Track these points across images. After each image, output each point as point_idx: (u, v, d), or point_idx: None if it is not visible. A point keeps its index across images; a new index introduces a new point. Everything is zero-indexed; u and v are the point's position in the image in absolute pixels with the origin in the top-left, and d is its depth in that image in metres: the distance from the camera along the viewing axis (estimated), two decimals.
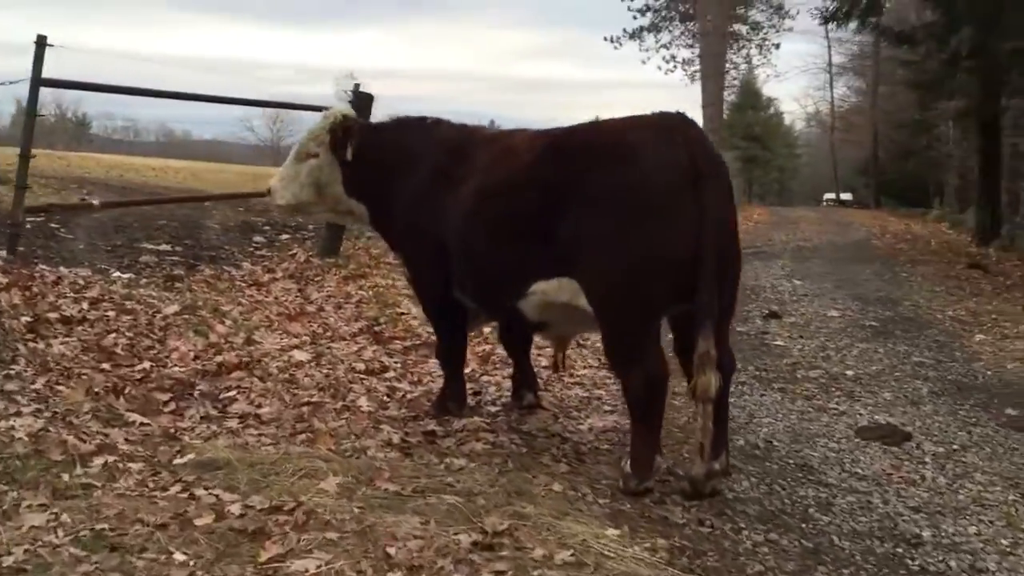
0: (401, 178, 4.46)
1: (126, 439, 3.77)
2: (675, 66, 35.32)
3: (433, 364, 5.35)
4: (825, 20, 17.26)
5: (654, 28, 34.50)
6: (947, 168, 33.26)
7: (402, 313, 7.01)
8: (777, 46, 36.90)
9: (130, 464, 3.45)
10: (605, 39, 34.31)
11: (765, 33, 36.40)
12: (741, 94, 44.22)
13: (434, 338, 5.01)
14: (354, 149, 4.48)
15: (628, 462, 3.68)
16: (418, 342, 6.17)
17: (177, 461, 3.55)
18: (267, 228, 11.06)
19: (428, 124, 4.61)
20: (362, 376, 5.27)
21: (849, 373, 6.35)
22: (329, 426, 4.21)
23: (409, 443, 4.10)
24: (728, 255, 3.60)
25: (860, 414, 5.31)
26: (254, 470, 3.44)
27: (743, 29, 36.10)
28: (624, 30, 34.06)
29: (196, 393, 4.62)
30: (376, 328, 6.49)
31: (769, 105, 48.29)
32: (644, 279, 3.49)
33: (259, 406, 4.48)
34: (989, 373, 6.48)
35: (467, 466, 3.79)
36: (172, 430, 4.02)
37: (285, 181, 4.69)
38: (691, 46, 34.19)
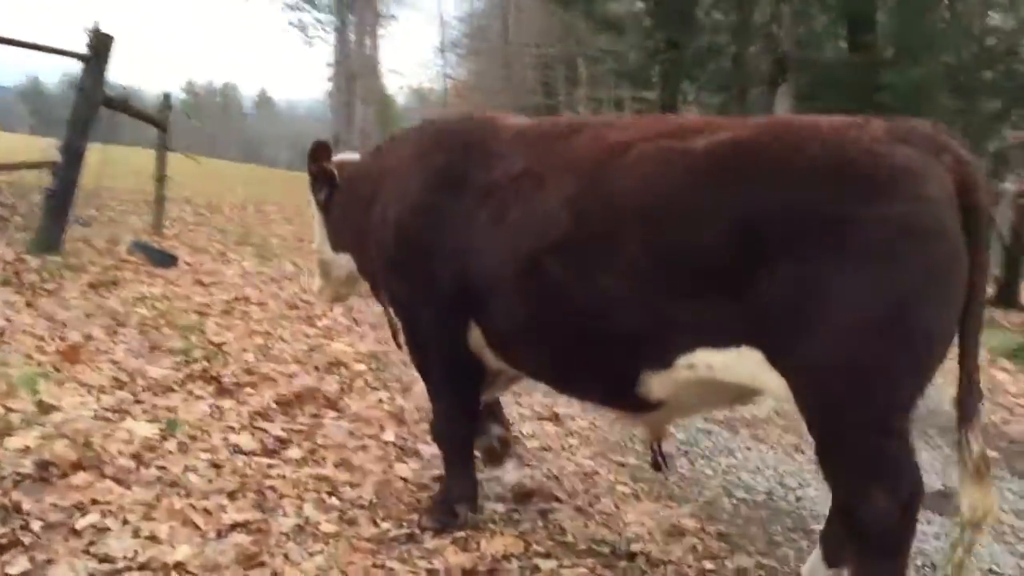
0: (378, 198, 3.30)
1: None
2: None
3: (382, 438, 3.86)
4: None
5: None
6: None
7: (221, 343, 5.14)
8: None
9: None
10: None
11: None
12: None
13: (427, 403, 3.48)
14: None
15: None
16: (297, 389, 4.46)
17: None
18: None
19: (419, 125, 3.57)
20: (251, 457, 3.55)
21: None
22: None
23: None
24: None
25: None
26: None
27: None
28: None
29: None
30: (205, 369, 4.61)
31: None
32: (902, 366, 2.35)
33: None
34: None
35: None
36: None
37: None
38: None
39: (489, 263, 2.88)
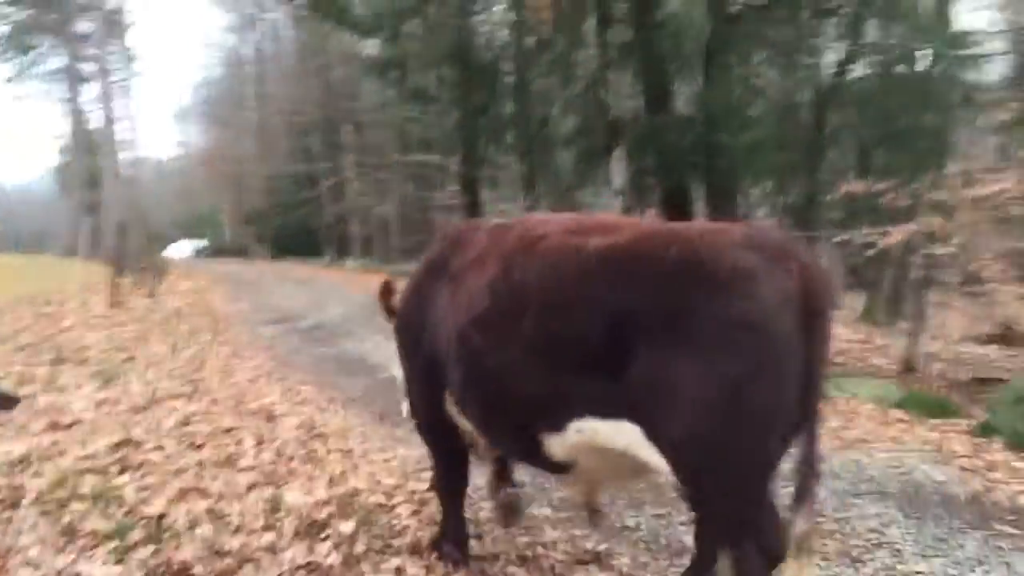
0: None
1: None
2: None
3: None
4: None
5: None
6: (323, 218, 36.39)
7: (159, 515, 4.16)
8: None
9: None
10: None
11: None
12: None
13: None
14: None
15: None
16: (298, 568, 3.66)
17: None
18: None
19: None
20: None
21: None
22: None
23: None
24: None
25: None
26: None
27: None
28: None
29: None
30: (161, 559, 3.67)
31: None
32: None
33: None
34: None
35: None
36: None
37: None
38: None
39: (444, 335, 3.43)
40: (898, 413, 8.00)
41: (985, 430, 6.99)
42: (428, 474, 4.35)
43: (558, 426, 3.05)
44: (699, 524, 3.16)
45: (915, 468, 6.02)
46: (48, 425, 5.74)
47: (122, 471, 4.84)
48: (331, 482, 4.87)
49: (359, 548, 4.00)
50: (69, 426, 5.75)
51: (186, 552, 3.76)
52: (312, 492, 4.67)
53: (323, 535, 4.12)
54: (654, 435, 2.80)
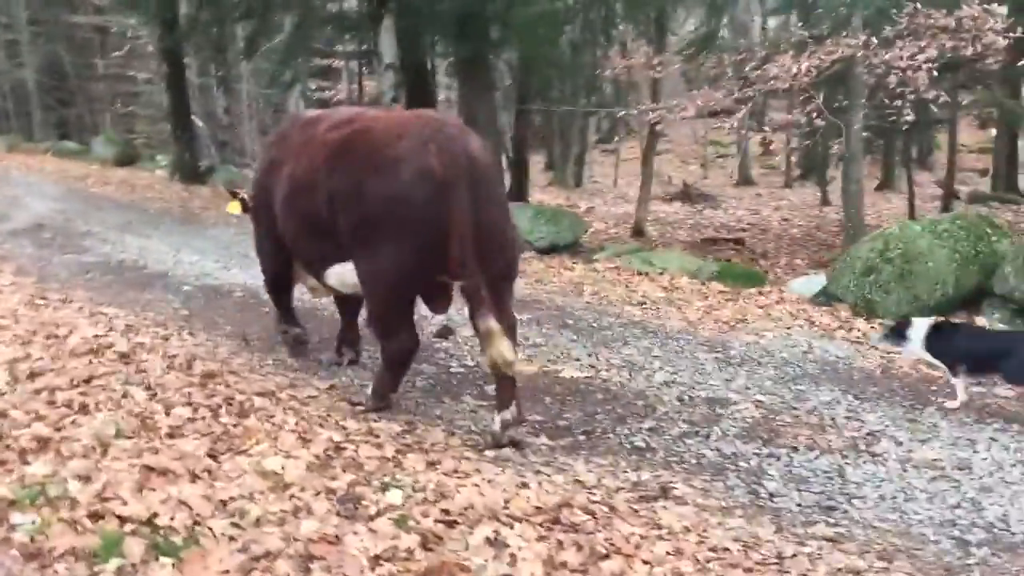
0: None
1: None
2: None
3: None
4: None
5: None
6: None
7: None
8: None
9: None
10: None
11: None
12: None
13: None
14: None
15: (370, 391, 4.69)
16: None
17: None
18: None
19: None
20: None
21: None
22: None
23: None
24: (494, 237, 4.14)
25: None
26: None
27: None
28: None
29: None
30: None
31: None
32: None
33: None
34: None
35: None
36: None
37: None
38: None
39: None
40: (718, 286, 8.49)
41: (829, 299, 7.64)
42: None
43: (325, 269, 4.68)
44: (368, 325, 4.70)
45: (811, 346, 6.40)
46: None
47: None
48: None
49: None
50: None
51: None
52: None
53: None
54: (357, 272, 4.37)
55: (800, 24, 10.50)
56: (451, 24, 10.96)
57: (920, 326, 5.30)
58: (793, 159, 24.90)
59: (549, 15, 10.66)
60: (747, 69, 9.52)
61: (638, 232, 14.38)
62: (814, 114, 9.60)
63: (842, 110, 10.16)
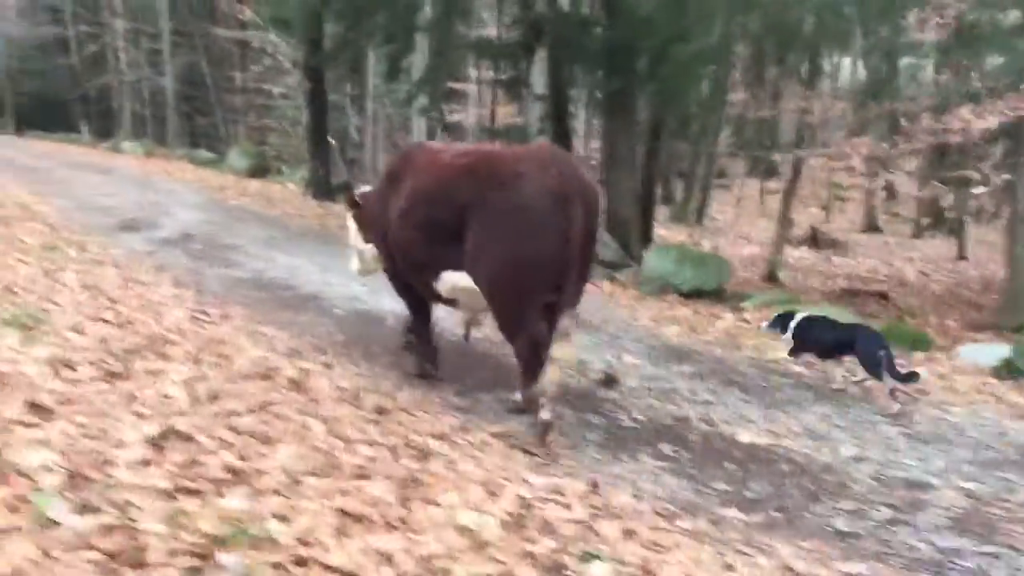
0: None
1: None
2: None
3: None
4: None
5: None
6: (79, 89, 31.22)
7: None
8: None
9: None
10: None
11: None
12: None
13: None
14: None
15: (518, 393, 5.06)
16: None
17: None
18: None
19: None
20: None
21: None
22: None
23: None
24: (590, 255, 4.74)
25: None
26: None
27: None
28: None
29: None
30: None
31: None
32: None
33: None
34: None
35: None
36: None
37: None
38: None
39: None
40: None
41: (1013, 372, 7.06)
42: None
43: (436, 276, 5.08)
44: (498, 329, 4.96)
45: (1005, 426, 5.87)
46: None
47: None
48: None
49: None
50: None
51: None
52: None
53: None
54: (475, 280, 4.79)
55: (975, 76, 9.86)
56: (601, 57, 10.78)
57: (796, 319, 6.43)
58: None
59: (705, 53, 10.37)
60: (923, 119, 8.97)
61: (771, 277, 13.86)
62: (988, 169, 8.99)
63: (1010, 166, 9.53)
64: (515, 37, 12.52)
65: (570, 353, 4.85)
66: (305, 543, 3.09)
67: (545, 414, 4.61)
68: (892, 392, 5.90)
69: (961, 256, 18.94)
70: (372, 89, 21.12)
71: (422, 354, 5.75)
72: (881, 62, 11.69)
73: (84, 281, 7.15)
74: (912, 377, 5.84)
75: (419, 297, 5.56)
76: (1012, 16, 9.66)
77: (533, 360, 4.65)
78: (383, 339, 6.64)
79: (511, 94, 14.89)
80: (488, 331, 6.34)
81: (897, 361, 6.01)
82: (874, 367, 5.90)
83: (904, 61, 12.93)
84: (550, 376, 4.59)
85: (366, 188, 6.11)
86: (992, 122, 8.15)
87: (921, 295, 14.38)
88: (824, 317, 6.65)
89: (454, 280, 4.93)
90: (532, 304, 4.66)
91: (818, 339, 6.29)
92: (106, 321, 5.79)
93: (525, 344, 4.67)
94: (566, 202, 4.45)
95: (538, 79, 10.74)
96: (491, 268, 4.62)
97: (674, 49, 10.07)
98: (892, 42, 11.15)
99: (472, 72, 19.71)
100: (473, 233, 4.62)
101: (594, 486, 4.11)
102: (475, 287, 4.76)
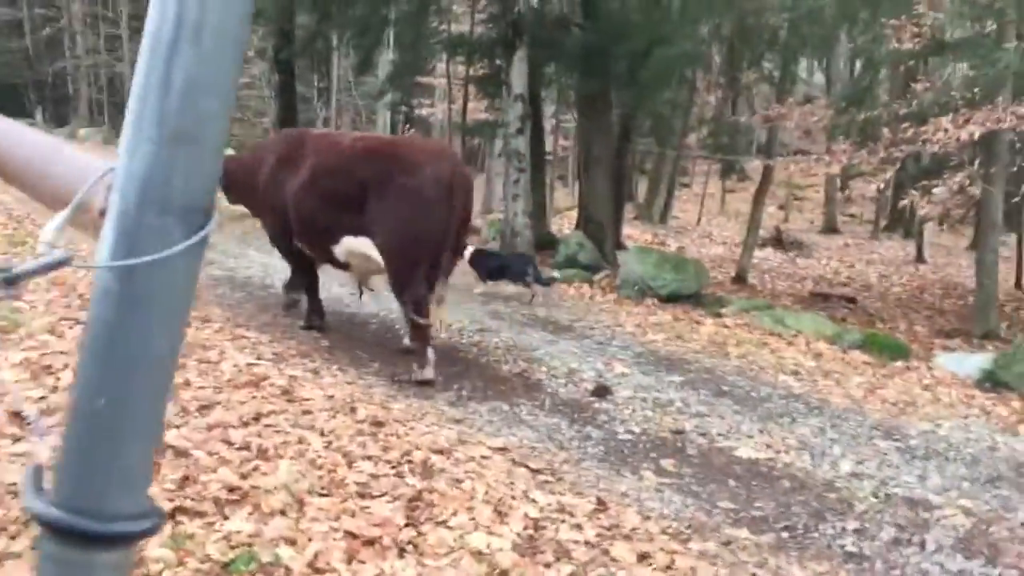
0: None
1: None
2: None
3: None
4: None
5: None
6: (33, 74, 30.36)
7: None
8: None
9: None
10: None
11: None
12: None
13: None
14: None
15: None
16: None
17: None
18: None
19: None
20: None
21: None
22: None
23: None
24: (463, 234, 6.09)
25: None
26: None
27: None
28: None
29: None
30: None
31: None
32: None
33: None
34: None
35: None
36: None
37: None
38: None
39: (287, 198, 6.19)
40: (862, 356, 8.02)
41: (995, 383, 7.12)
42: None
43: (337, 240, 5.94)
44: (390, 287, 5.91)
45: (996, 441, 5.90)
46: None
47: None
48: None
49: None
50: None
51: None
52: None
53: None
54: (377, 243, 5.69)
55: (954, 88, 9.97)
56: (578, 58, 10.69)
57: (467, 253, 8.29)
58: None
59: (684, 56, 10.33)
60: (906, 129, 9.02)
61: (740, 279, 13.91)
62: (967, 181, 9.09)
63: (983, 175, 9.64)
64: (491, 34, 12.37)
65: (444, 315, 6.19)
66: (317, 569, 2.97)
67: (428, 373, 5.61)
68: (533, 293, 8.90)
69: (919, 259, 19.21)
70: (338, 82, 20.79)
71: (312, 309, 6.70)
72: (866, 71, 11.75)
73: (54, 279, 6.84)
74: (550, 281, 9.43)
75: (307, 257, 6.43)
76: (988, 27, 9.77)
77: (417, 314, 5.63)
78: (367, 343, 6.47)
79: (483, 91, 14.69)
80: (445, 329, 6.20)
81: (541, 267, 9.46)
82: (523, 278, 8.78)
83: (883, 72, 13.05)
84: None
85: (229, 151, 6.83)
86: (974, 131, 8.21)
87: (885, 299, 14.55)
88: (490, 251, 9.76)
89: (350, 245, 5.84)
90: (417, 270, 5.58)
91: (485, 265, 8.81)
92: (81, 322, 5.54)
93: (410, 301, 5.63)
94: (451, 191, 5.54)
95: (517, 79, 10.54)
96: (387, 238, 5.61)
97: (655, 52, 9.99)
98: (871, 50, 11.23)
99: (440, 67, 19.45)
100: (373, 205, 5.58)
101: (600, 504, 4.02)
102: (366, 252, 5.74)
